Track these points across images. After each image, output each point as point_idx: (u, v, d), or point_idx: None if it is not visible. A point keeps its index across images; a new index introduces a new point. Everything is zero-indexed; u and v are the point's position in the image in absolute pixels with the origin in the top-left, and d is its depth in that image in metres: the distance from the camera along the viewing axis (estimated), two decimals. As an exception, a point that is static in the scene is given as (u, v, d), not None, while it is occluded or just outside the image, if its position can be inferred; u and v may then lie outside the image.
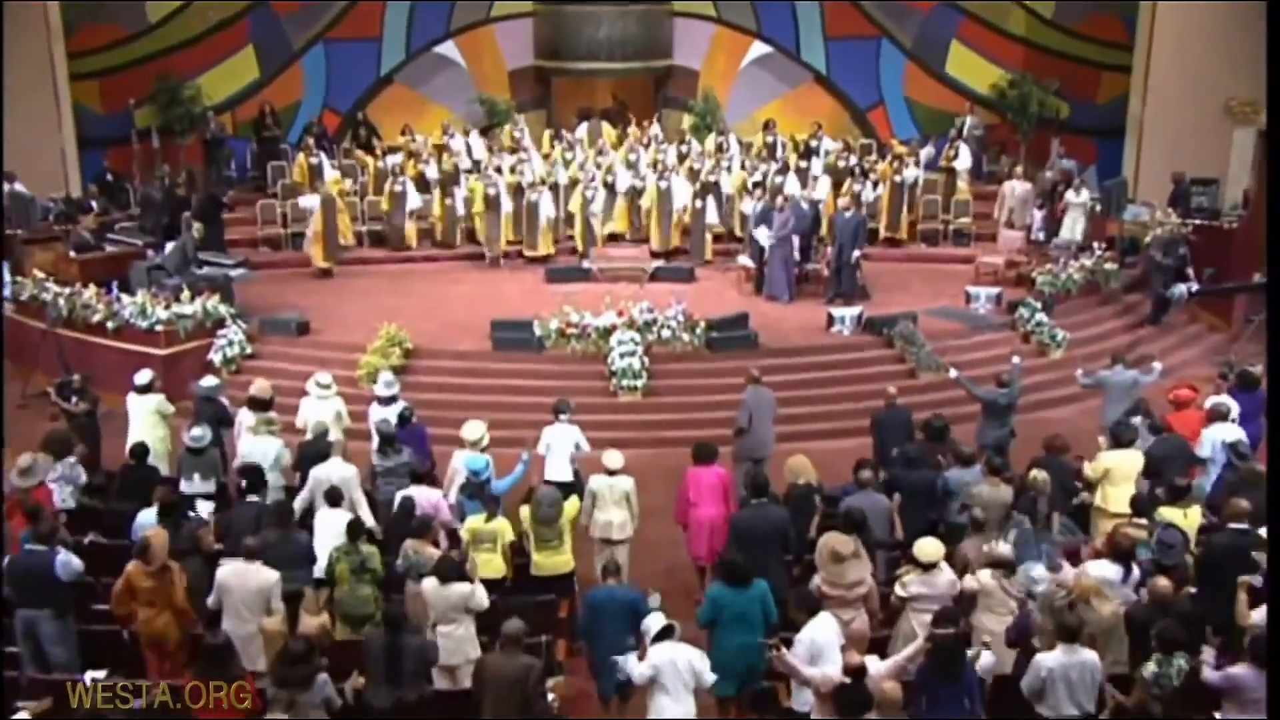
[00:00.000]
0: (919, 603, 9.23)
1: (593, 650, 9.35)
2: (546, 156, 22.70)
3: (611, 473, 11.16)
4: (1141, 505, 10.41)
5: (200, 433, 11.87)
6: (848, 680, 7.77)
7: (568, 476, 12.09)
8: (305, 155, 22.10)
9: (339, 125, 24.46)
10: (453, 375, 16.32)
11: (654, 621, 8.62)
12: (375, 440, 12.01)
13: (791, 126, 23.98)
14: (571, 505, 10.65)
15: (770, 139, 23.27)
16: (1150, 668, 8.07)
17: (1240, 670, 7.99)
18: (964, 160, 22.49)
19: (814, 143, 22.96)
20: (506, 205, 20.95)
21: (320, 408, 12.85)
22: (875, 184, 21.67)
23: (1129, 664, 8.61)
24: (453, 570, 9.26)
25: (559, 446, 12.18)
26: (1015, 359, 14.17)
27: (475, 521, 10.46)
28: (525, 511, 10.58)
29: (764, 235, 18.95)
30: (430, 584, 9.23)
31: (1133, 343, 17.77)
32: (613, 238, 21.77)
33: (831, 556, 9.35)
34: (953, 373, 14.07)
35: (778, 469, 11.71)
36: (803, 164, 22.02)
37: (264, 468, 11.30)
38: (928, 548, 9.35)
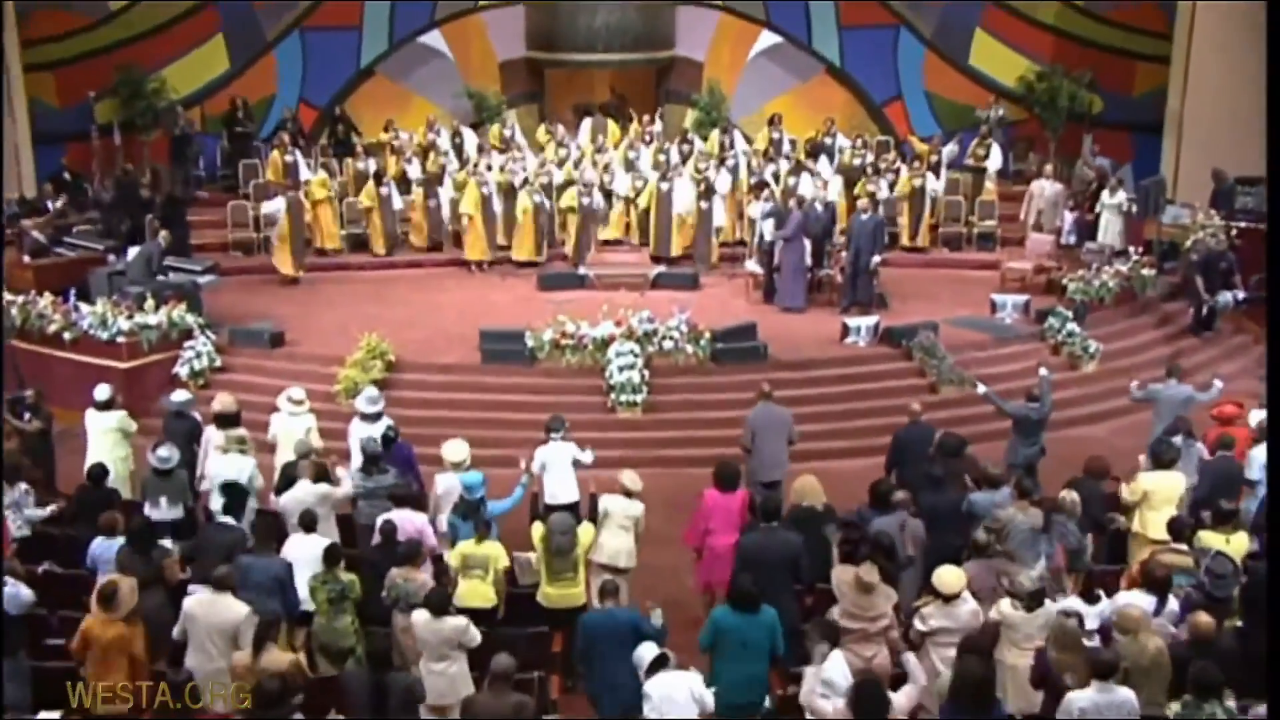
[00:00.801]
0: (940, 636, 9.19)
1: (591, 678, 9.31)
2: (543, 149, 22.74)
3: (629, 494, 11.15)
4: (1181, 530, 10.38)
5: (167, 453, 11.79)
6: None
7: (573, 495, 12.09)
8: (279, 153, 22.10)
9: (316, 120, 24.48)
10: (438, 390, 16.30)
11: (646, 652, 8.61)
12: (354, 459, 11.97)
13: (802, 122, 24.03)
14: (586, 533, 10.61)
15: (776, 135, 23.30)
16: (1174, 709, 8.01)
17: None
18: (995, 160, 22.53)
19: (827, 140, 23.00)
20: (498, 207, 20.96)
21: (291, 425, 12.83)
22: (892, 184, 21.70)
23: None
24: (446, 601, 9.23)
25: (556, 464, 12.16)
26: (1043, 371, 14.15)
27: (466, 545, 10.42)
28: (538, 530, 10.54)
29: (770, 229, 18.98)
30: (422, 616, 9.20)
31: (1174, 354, 17.76)
32: (607, 243, 21.78)
33: (857, 586, 9.27)
34: (980, 388, 14.05)
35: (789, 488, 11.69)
36: (809, 162, 22.02)
37: (245, 487, 11.29)
38: (949, 577, 9.31)
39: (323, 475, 11.44)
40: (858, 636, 9.12)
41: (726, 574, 10.45)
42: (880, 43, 25.09)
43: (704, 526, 11.20)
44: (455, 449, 11.60)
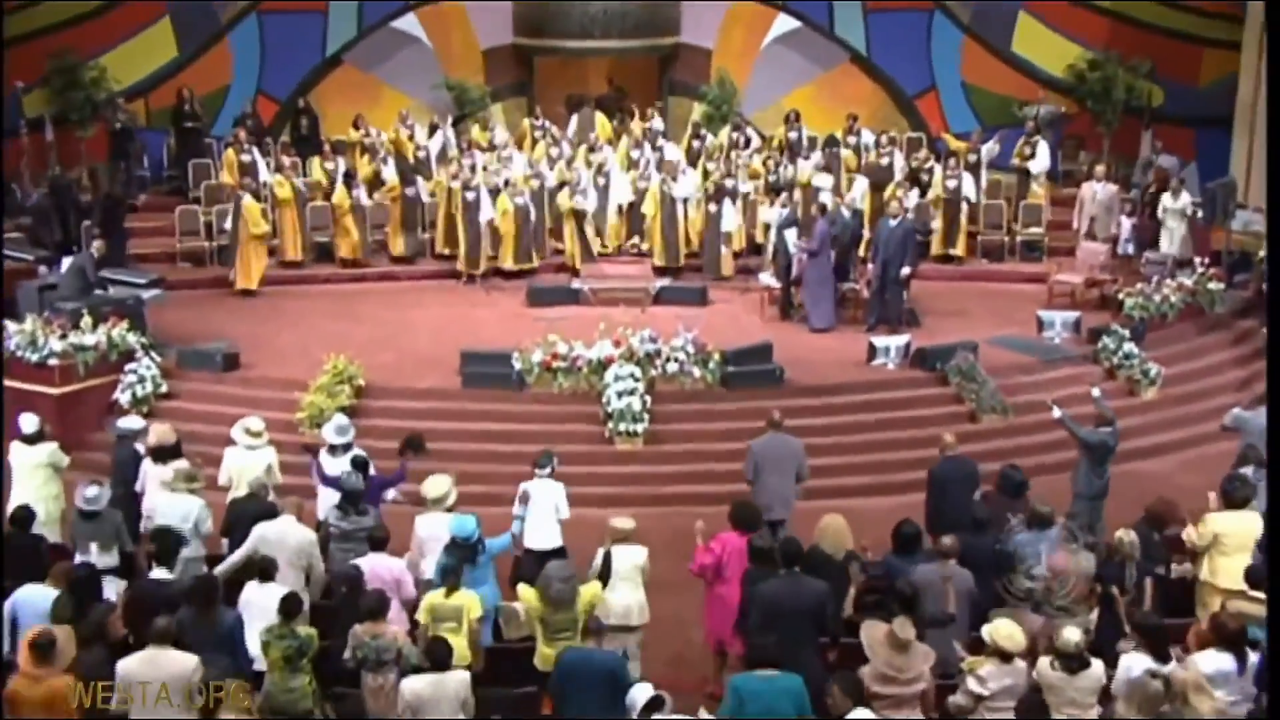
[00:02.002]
0: (997, 700, 9.08)
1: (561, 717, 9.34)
2: (520, 146, 22.79)
3: (620, 538, 11.08)
4: (1258, 577, 10.31)
5: (96, 492, 11.67)
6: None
7: (555, 542, 12.04)
8: (235, 151, 22.12)
9: (275, 115, 24.52)
10: (414, 418, 16.19)
11: (640, 693, 8.60)
12: (321, 496, 11.92)
13: (823, 116, 24.06)
14: (590, 591, 10.48)
15: (794, 134, 23.34)
16: None
17: None
18: (1041, 160, 22.54)
19: (850, 138, 23.04)
20: (487, 212, 20.99)
21: (248, 460, 12.78)
22: (925, 187, 21.71)
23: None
24: (448, 653, 9.19)
25: (541, 508, 12.12)
26: (1095, 391, 14.12)
27: (434, 596, 10.35)
28: (528, 592, 10.41)
29: (792, 238, 18.97)
30: (420, 681, 9.13)
31: (1247, 379, 17.72)
32: (605, 254, 21.80)
33: (891, 644, 9.17)
34: (1056, 412, 13.87)
35: (807, 534, 11.61)
36: (815, 155, 22.10)
37: (181, 532, 11.20)
38: (1008, 630, 9.20)
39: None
40: (891, 703, 8.98)
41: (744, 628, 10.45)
42: (912, 28, 25.12)
43: (713, 563, 11.11)
44: (436, 484, 11.54)
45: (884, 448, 16.13)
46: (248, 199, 20.51)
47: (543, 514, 12.12)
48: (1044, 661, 9.14)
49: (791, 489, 13.11)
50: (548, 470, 12.25)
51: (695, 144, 23.03)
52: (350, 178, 21.78)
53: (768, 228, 20.45)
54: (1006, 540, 11.18)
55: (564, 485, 12.31)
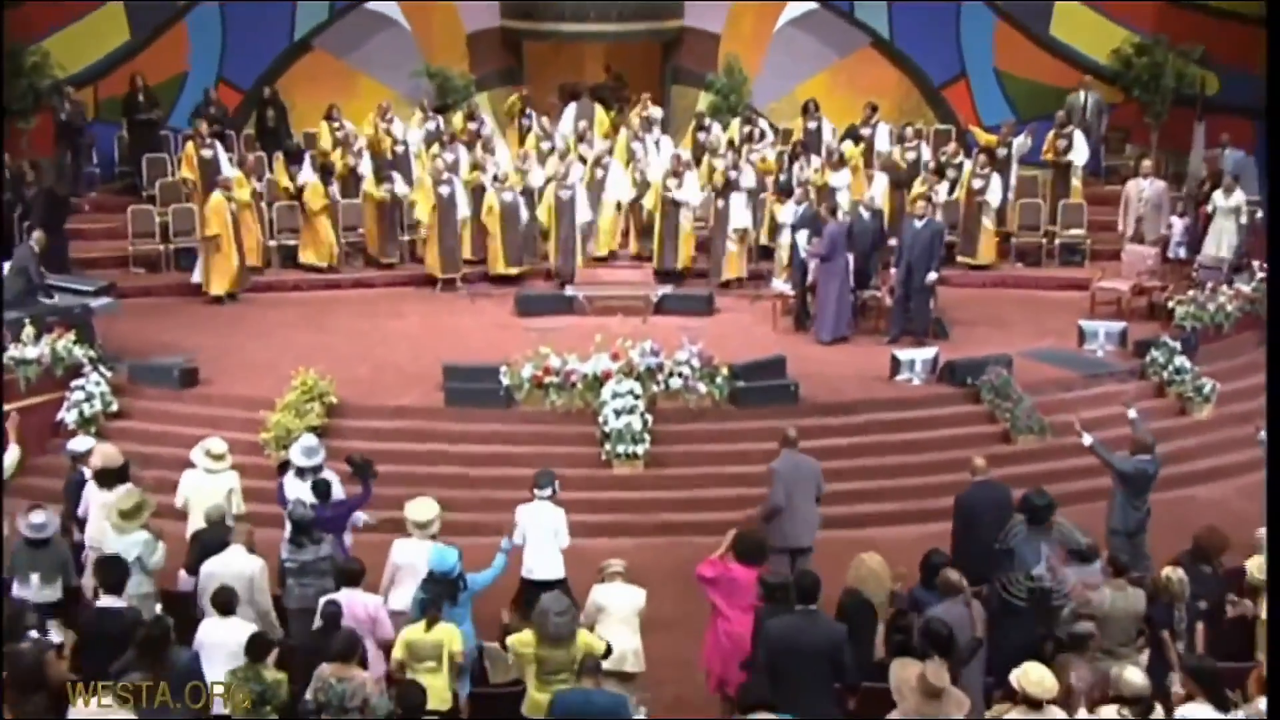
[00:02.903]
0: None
1: None
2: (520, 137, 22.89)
3: (610, 575, 11.04)
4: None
5: (43, 518, 11.64)
6: None
7: (558, 572, 12.06)
8: (195, 145, 22.13)
9: (239, 105, 24.55)
10: (391, 440, 16.22)
11: None
12: (287, 526, 11.90)
13: (841, 107, 24.09)
14: (585, 635, 10.42)
15: (813, 125, 23.37)
16: None
17: None
18: (1079, 152, 22.55)
19: (866, 130, 23.06)
20: (464, 210, 21.00)
21: (208, 485, 12.76)
22: (953, 184, 21.71)
23: None
24: (422, 699, 9.17)
25: (539, 530, 12.13)
26: (1131, 411, 14.08)
27: (412, 631, 10.33)
28: (522, 638, 10.34)
29: (803, 241, 19.00)
30: None
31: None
32: (601, 258, 21.80)
33: (923, 690, 9.12)
34: (1086, 438, 13.85)
35: (825, 565, 11.59)
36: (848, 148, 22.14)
37: (125, 564, 11.16)
38: (1038, 676, 9.18)
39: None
40: (919, 756, 8.97)
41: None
42: (940, 10, 25.18)
43: (711, 582, 11.09)
44: (421, 508, 11.55)
45: (909, 472, 16.11)
46: (217, 196, 20.53)
47: (542, 541, 12.14)
48: (1108, 710, 9.12)
49: (816, 513, 13.09)
50: (548, 492, 12.26)
51: (700, 136, 23.03)
52: (326, 174, 21.77)
53: (775, 229, 20.45)
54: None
55: (563, 512, 12.33)
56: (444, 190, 21.01)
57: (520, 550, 12.15)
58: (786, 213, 20.17)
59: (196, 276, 20.93)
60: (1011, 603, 10.81)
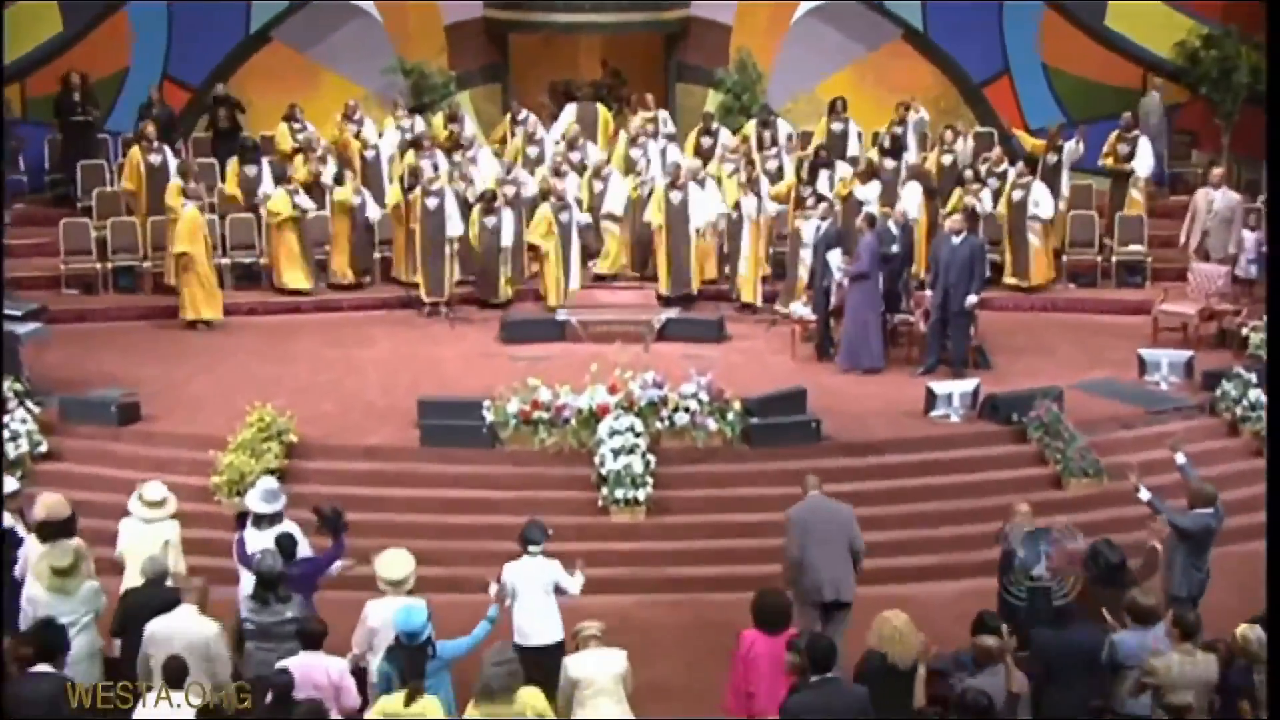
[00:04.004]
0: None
1: None
2: (502, 142, 22.90)
3: (584, 641, 11.01)
4: None
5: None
6: None
7: (554, 634, 12.04)
8: (141, 151, 22.19)
9: (187, 105, 24.61)
10: (359, 484, 16.21)
11: None
12: (244, 581, 11.85)
13: (868, 107, 24.20)
14: (531, 691, 10.38)
15: (838, 126, 23.43)
16: None
17: None
18: (1143, 160, 22.58)
19: (897, 129, 23.12)
20: (455, 228, 21.04)
21: (144, 536, 12.73)
22: (995, 195, 21.74)
23: None
24: None
25: (530, 590, 12.09)
26: (1179, 456, 14.03)
27: (391, 703, 10.30)
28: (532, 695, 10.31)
29: (836, 260, 19.02)
30: None
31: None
32: (600, 277, 21.82)
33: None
34: (1143, 493, 13.78)
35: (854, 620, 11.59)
36: (888, 163, 22.16)
37: (67, 628, 11.15)
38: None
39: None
40: None
41: None
42: (981, -1, 25.36)
43: (743, 685, 11.03)
44: (394, 563, 11.50)
45: (946, 520, 16.07)
46: (191, 208, 20.58)
47: (535, 600, 12.11)
48: None
49: (845, 565, 12.97)
50: (540, 546, 12.23)
51: (705, 141, 23.08)
52: (289, 181, 21.81)
53: (796, 244, 20.50)
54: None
55: (558, 563, 12.29)
56: (431, 202, 21.04)
57: (508, 615, 12.07)
58: (808, 228, 20.21)
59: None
60: (1053, 663, 10.83)
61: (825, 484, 13.56)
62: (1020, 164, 22.13)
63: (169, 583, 11.88)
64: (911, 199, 21.28)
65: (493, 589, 11.89)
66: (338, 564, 12.71)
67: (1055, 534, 12.22)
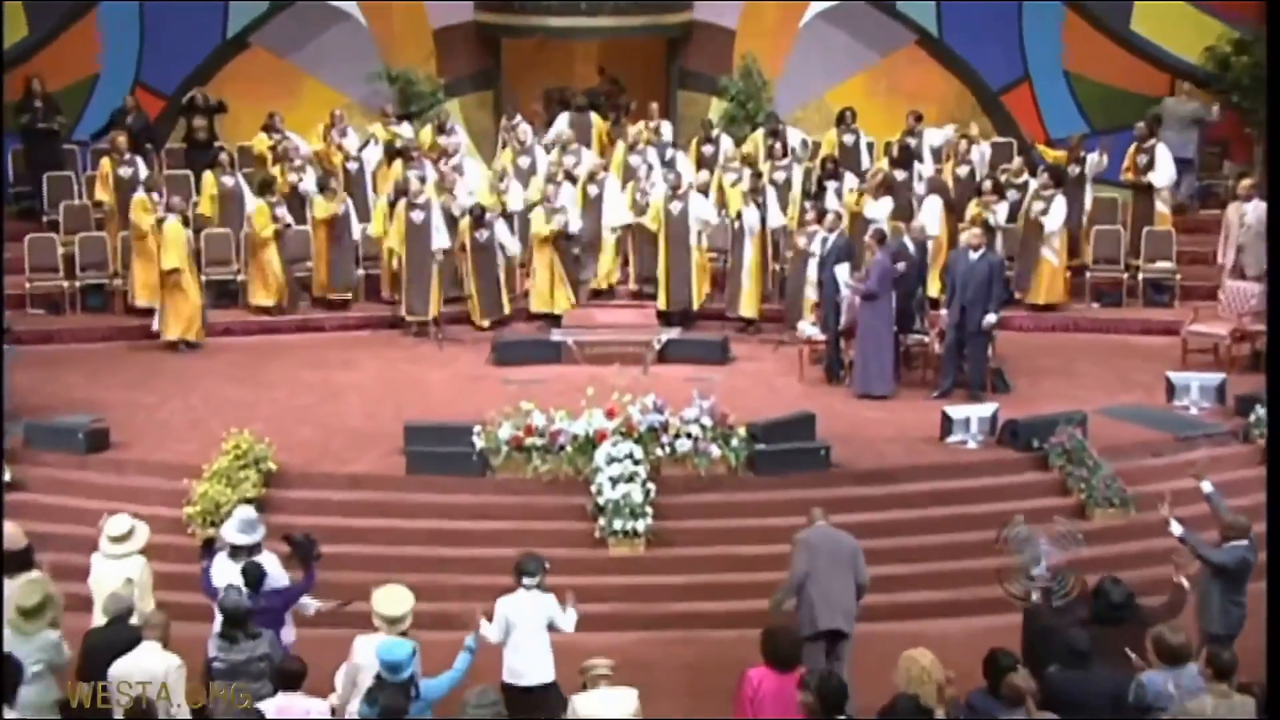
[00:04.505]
0: None
1: None
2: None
3: (593, 680, 11.01)
4: None
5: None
6: None
7: (546, 674, 12.02)
8: (112, 162, 22.22)
9: (160, 114, 24.64)
10: (341, 514, 16.21)
11: None
12: (217, 620, 11.87)
13: (880, 115, 24.25)
14: None
15: (849, 138, 23.48)
16: None
17: None
18: (1163, 171, 22.58)
19: (911, 141, 23.17)
20: (441, 240, 21.07)
21: (110, 571, 12.70)
22: (1014, 208, 21.74)
23: None
24: None
25: (525, 626, 12.07)
26: (1205, 485, 14.01)
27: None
28: None
29: (844, 275, 19.04)
30: None
31: None
32: (597, 294, 21.84)
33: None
34: (1175, 528, 13.78)
35: (865, 663, 11.56)
36: (898, 175, 22.22)
37: (26, 667, 11.13)
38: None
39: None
40: None
41: None
42: (998, 2, 25.32)
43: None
44: (393, 600, 11.43)
45: (964, 553, 15.98)
46: (172, 222, 20.60)
47: (529, 637, 12.08)
48: None
49: (851, 594, 13.00)
50: (536, 580, 12.21)
51: (706, 150, 23.11)
52: (269, 190, 21.82)
53: (802, 259, 20.54)
54: (1135, 685, 11.26)
55: (554, 598, 12.27)
56: (416, 216, 21.08)
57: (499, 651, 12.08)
58: (817, 244, 20.24)
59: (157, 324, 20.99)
60: (1070, 708, 10.81)
61: (834, 514, 13.61)
62: (1044, 175, 22.11)
63: (134, 620, 11.86)
64: (931, 213, 21.30)
65: (484, 626, 11.89)
66: (312, 605, 12.69)
67: (1054, 534, 12.47)
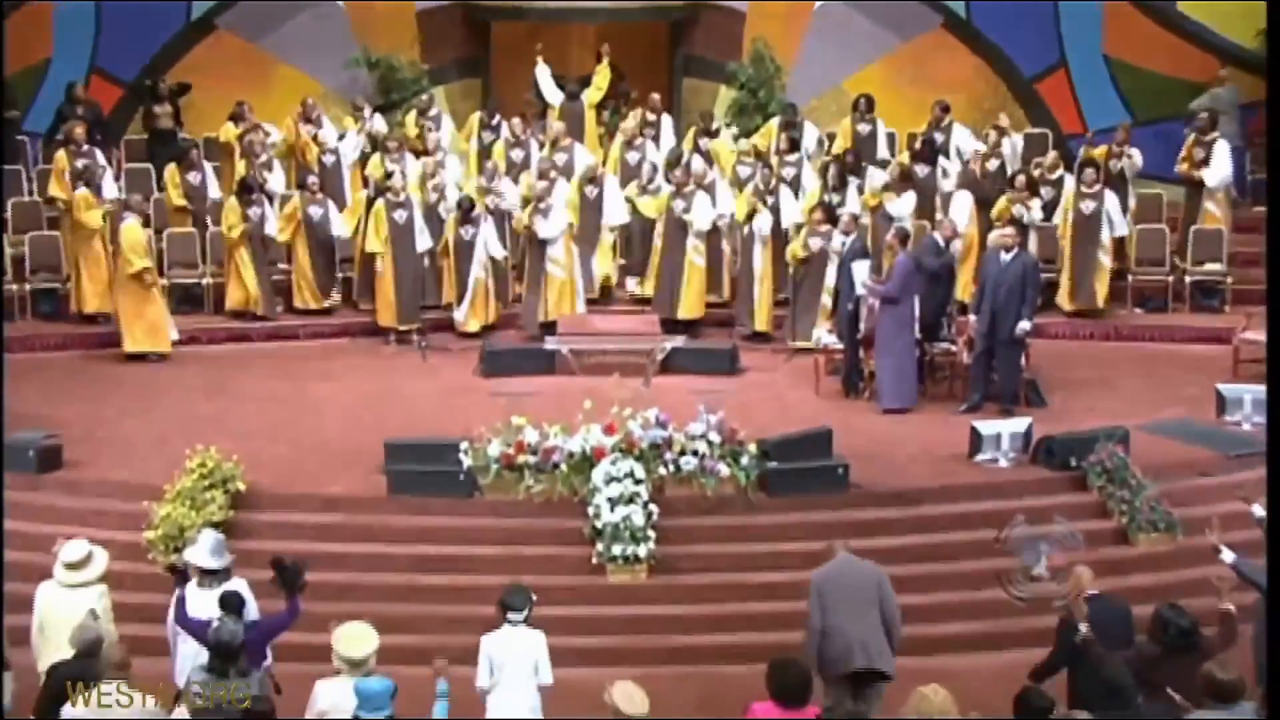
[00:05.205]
0: None
1: None
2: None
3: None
4: None
5: None
6: None
7: (535, 716, 12.00)
8: (68, 155, 22.23)
9: (118, 103, 24.72)
10: (316, 539, 16.16)
11: None
12: (180, 649, 11.83)
13: (902, 106, 24.37)
14: None
15: (866, 128, 23.53)
16: None
17: None
18: (1219, 168, 22.64)
19: (938, 135, 23.21)
20: (425, 242, 21.07)
21: (66, 602, 12.70)
22: (1049, 206, 21.75)
23: None
24: None
25: (514, 670, 12.04)
26: (1256, 509, 14.02)
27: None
28: None
29: (863, 274, 19.06)
30: None
31: None
32: (592, 301, 21.90)
33: None
34: (1226, 555, 13.77)
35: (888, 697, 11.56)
36: (919, 169, 22.27)
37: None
38: None
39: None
40: None
41: None
42: (1033, -18, 25.45)
43: None
44: (356, 639, 11.39)
45: (994, 581, 16.04)
46: (130, 221, 20.63)
47: (517, 678, 12.06)
48: None
49: (876, 629, 12.95)
50: (523, 615, 12.20)
51: (703, 143, 23.17)
52: (246, 190, 21.86)
53: (804, 260, 20.58)
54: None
55: (543, 636, 12.24)
56: (399, 215, 21.12)
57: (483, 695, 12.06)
58: (834, 241, 20.27)
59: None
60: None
61: (853, 539, 13.61)
62: (1088, 170, 22.15)
63: (104, 656, 11.86)
64: (961, 210, 21.32)
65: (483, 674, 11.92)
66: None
67: (1055, 535, 12.91)
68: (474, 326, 21.43)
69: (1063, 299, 22.02)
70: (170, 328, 21.00)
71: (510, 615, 12.15)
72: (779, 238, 21.40)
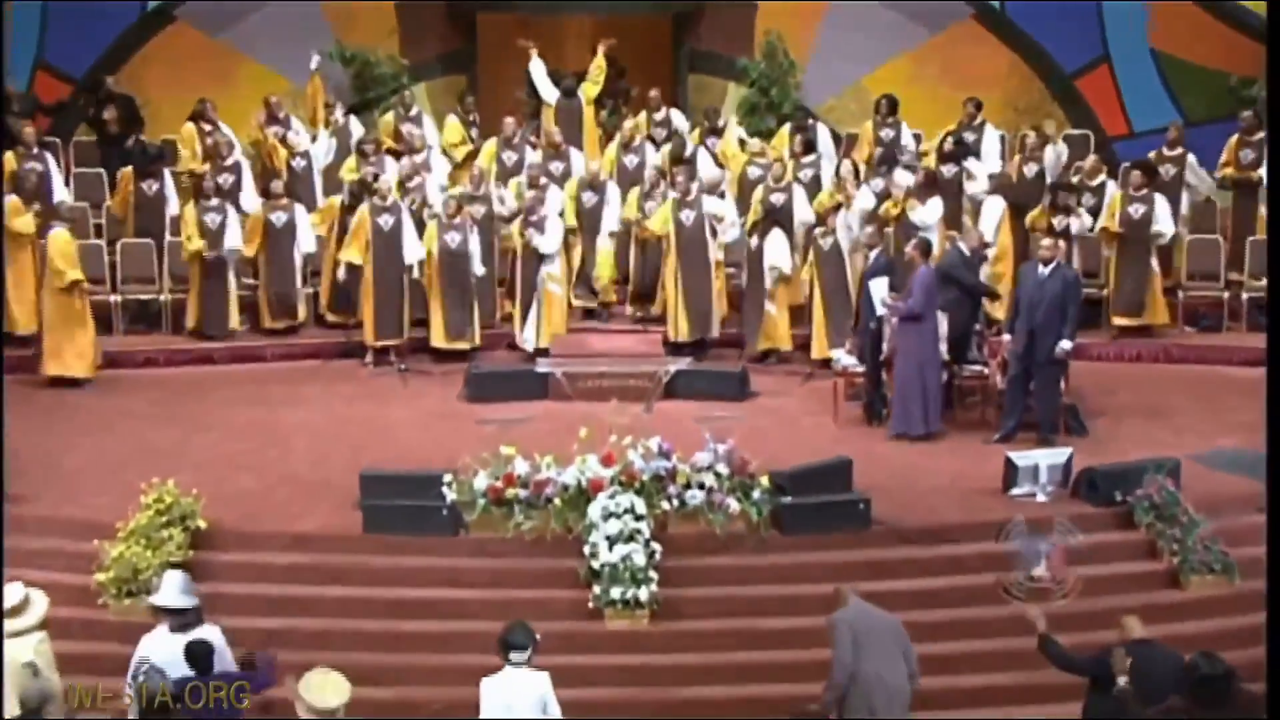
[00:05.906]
0: None
1: None
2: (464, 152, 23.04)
3: None
4: None
5: None
6: None
7: None
8: (16, 157, 22.29)
9: (67, 101, 24.76)
10: (284, 581, 16.18)
11: None
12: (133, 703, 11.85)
13: (929, 106, 24.45)
14: None
15: (889, 133, 23.57)
16: None
17: None
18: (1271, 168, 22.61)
19: (969, 136, 23.25)
20: (413, 250, 21.11)
21: (6, 651, 12.68)
22: (1094, 212, 21.79)
23: None
24: None
25: (520, 709, 12.05)
26: None
27: None
28: None
29: (882, 291, 19.04)
30: None
31: None
32: (589, 313, 21.97)
33: None
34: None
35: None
36: (946, 171, 22.32)
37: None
38: None
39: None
40: None
41: None
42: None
43: None
44: (325, 688, 11.42)
45: (1031, 628, 15.99)
46: (58, 231, 20.64)
47: None
48: None
49: (903, 675, 13.00)
50: (526, 655, 12.19)
51: (710, 142, 23.20)
52: (203, 194, 21.86)
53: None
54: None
55: (547, 677, 12.29)
56: (384, 221, 21.14)
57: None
58: (841, 228, 20.36)
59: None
60: None
61: (875, 580, 13.68)
62: (1136, 173, 22.12)
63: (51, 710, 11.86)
64: (991, 217, 21.32)
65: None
66: None
67: (1055, 533, 13.40)
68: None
69: (1109, 314, 22.01)
70: (98, 352, 20.98)
71: (513, 655, 12.15)
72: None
